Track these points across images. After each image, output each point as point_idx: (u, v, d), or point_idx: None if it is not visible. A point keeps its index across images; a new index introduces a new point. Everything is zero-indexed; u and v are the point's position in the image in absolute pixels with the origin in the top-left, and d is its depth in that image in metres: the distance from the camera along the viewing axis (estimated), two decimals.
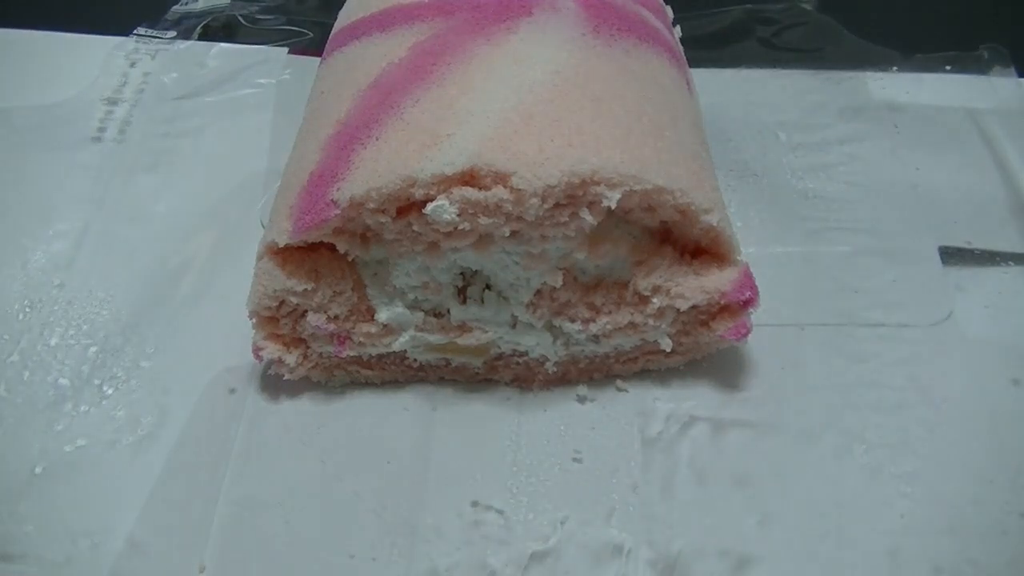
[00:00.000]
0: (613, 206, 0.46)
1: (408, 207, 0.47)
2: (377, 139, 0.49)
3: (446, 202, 0.46)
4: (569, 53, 0.52)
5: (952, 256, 0.62)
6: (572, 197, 0.46)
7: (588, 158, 0.46)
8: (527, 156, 0.46)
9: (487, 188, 0.46)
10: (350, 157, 0.49)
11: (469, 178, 0.46)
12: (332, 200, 0.48)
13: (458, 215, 0.46)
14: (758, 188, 0.67)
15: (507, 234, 0.47)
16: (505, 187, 0.46)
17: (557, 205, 0.47)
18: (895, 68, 0.76)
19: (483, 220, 0.46)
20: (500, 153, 0.46)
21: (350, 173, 0.48)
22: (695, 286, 0.51)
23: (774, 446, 0.52)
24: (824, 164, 0.69)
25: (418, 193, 0.46)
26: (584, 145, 0.47)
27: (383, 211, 0.47)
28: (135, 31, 0.83)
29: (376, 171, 0.47)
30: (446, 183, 0.46)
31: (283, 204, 0.51)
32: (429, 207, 0.46)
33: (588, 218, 0.47)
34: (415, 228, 0.48)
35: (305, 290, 0.51)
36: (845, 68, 0.76)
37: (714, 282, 0.51)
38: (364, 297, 0.53)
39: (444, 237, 0.48)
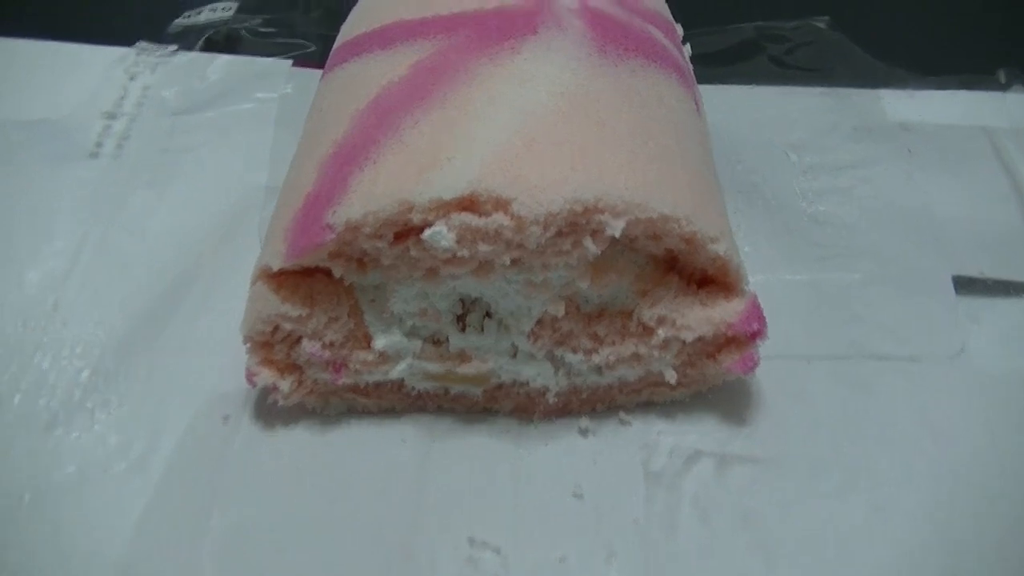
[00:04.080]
0: (617, 235, 0.45)
1: (406, 232, 0.46)
2: (375, 161, 0.47)
3: (444, 228, 0.44)
4: (574, 74, 0.51)
5: (966, 286, 0.60)
6: (575, 225, 0.45)
7: (592, 184, 0.45)
8: (529, 182, 0.45)
9: (487, 214, 0.44)
10: (347, 179, 0.47)
11: (469, 203, 0.45)
12: (328, 224, 0.46)
13: (457, 242, 0.45)
14: (768, 212, 0.65)
15: (507, 262, 0.46)
16: (505, 214, 0.44)
17: (559, 233, 0.45)
18: (909, 87, 0.75)
19: (482, 247, 0.45)
20: (501, 178, 0.45)
21: (347, 196, 0.47)
22: (701, 317, 0.49)
23: (780, 482, 0.51)
24: (836, 188, 0.67)
25: (416, 218, 0.45)
26: (588, 171, 0.46)
27: (380, 236, 0.46)
28: (136, 45, 0.81)
29: (373, 194, 0.46)
30: (445, 208, 0.44)
31: (278, 226, 0.50)
32: (427, 233, 0.45)
33: (591, 247, 0.46)
34: (413, 254, 0.47)
35: (300, 316, 0.50)
36: (858, 87, 0.75)
37: (721, 313, 0.49)
38: (361, 323, 0.51)
39: (443, 264, 0.47)
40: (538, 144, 0.46)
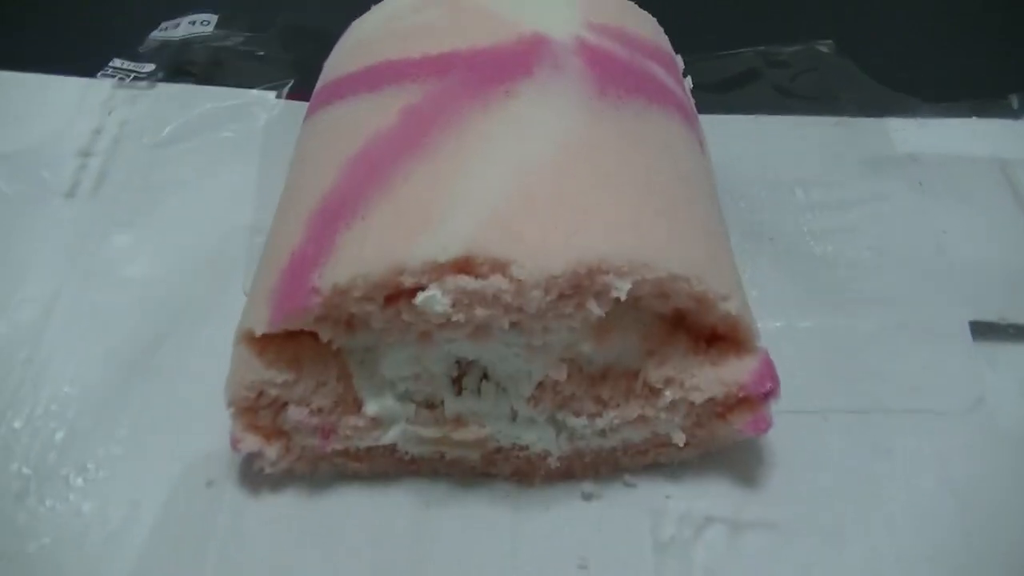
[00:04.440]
0: (623, 297, 0.42)
1: (397, 295, 0.43)
2: (363, 219, 0.44)
3: (438, 292, 0.42)
4: (574, 121, 0.48)
5: (984, 332, 0.57)
6: (578, 287, 0.42)
7: (595, 244, 0.42)
8: (528, 242, 0.42)
9: (484, 277, 0.42)
10: (334, 237, 0.44)
11: (464, 265, 0.42)
12: (314, 287, 0.43)
13: (452, 306, 0.42)
14: (774, 253, 0.63)
15: (506, 326, 0.43)
16: (504, 276, 0.41)
17: (561, 296, 0.42)
18: (918, 116, 0.72)
19: (480, 312, 0.42)
20: (498, 238, 0.42)
21: (333, 257, 0.44)
22: (711, 377, 0.47)
23: (797, 549, 0.48)
24: (844, 226, 0.64)
25: (408, 281, 0.42)
26: (591, 229, 0.43)
27: (370, 299, 0.43)
28: (111, 64, 0.78)
29: (362, 256, 0.43)
30: (439, 271, 0.42)
31: (262, 287, 0.47)
32: (420, 298, 0.42)
33: (595, 308, 0.43)
34: (405, 317, 0.44)
35: (286, 381, 0.47)
36: (865, 116, 0.72)
37: (732, 372, 0.47)
38: (350, 387, 0.48)
39: (437, 328, 0.44)
40: (537, 200, 0.44)
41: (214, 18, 0.85)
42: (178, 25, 0.84)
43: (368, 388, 0.48)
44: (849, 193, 0.67)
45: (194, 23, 0.85)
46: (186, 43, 0.82)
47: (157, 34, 0.83)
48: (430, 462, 0.51)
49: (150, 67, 0.79)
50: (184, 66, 0.80)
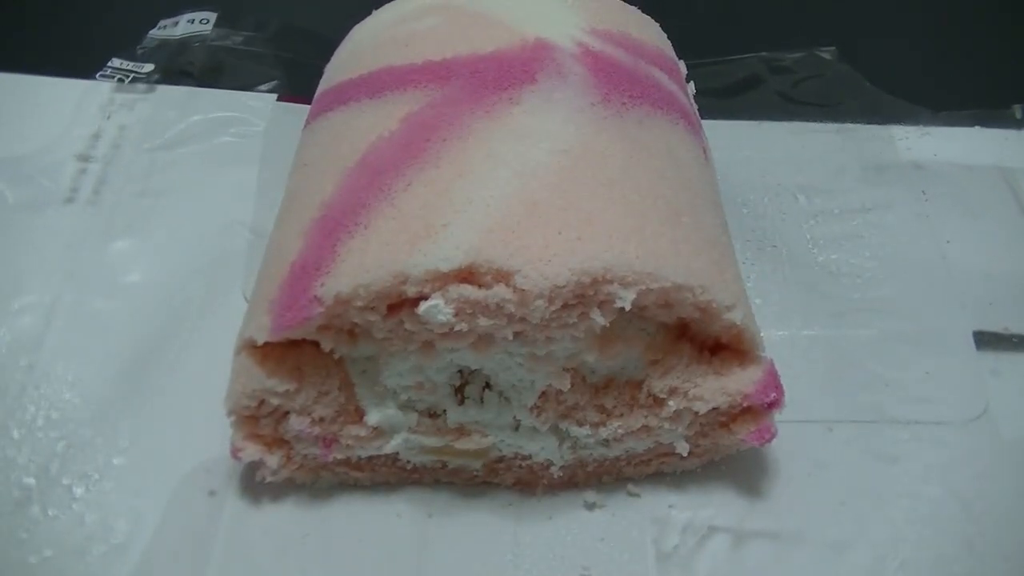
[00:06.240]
0: (627, 307, 0.42)
1: (400, 304, 0.43)
2: (365, 227, 0.44)
3: (441, 302, 0.42)
4: (577, 128, 0.48)
5: (988, 342, 0.57)
6: (582, 297, 0.42)
7: (599, 254, 0.42)
8: (532, 251, 0.42)
9: (487, 286, 0.42)
10: (335, 247, 0.44)
11: (467, 275, 0.42)
12: (315, 296, 0.43)
13: (455, 316, 0.42)
14: (777, 261, 0.62)
15: (509, 336, 0.43)
16: (507, 286, 0.41)
17: (565, 306, 0.42)
18: (921, 124, 0.72)
19: (483, 321, 0.42)
20: (502, 248, 0.42)
21: (335, 266, 0.43)
22: (715, 387, 0.47)
23: (800, 561, 0.48)
24: (847, 233, 0.64)
25: (410, 290, 0.42)
26: (595, 238, 0.43)
27: (372, 309, 0.43)
28: (109, 64, 0.78)
29: (364, 265, 0.43)
30: (441, 280, 0.42)
31: (262, 296, 0.47)
32: (422, 307, 0.42)
33: (599, 318, 0.43)
34: (407, 327, 0.43)
35: (287, 390, 0.46)
36: (867, 123, 0.72)
37: (736, 382, 0.47)
38: (352, 397, 0.48)
39: (439, 337, 0.44)
40: (541, 209, 0.43)
41: (213, 16, 0.84)
42: (177, 23, 0.84)
43: (370, 397, 0.48)
44: (852, 201, 0.66)
45: (193, 21, 0.84)
46: (185, 43, 0.82)
47: (156, 32, 0.82)
48: (432, 471, 0.51)
49: (149, 67, 0.78)
50: (183, 67, 0.79)
